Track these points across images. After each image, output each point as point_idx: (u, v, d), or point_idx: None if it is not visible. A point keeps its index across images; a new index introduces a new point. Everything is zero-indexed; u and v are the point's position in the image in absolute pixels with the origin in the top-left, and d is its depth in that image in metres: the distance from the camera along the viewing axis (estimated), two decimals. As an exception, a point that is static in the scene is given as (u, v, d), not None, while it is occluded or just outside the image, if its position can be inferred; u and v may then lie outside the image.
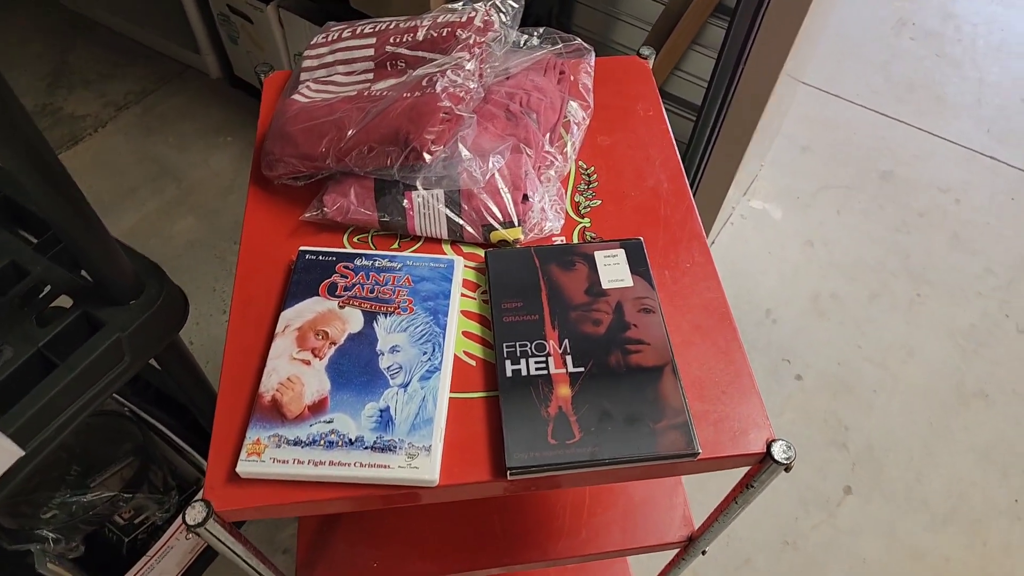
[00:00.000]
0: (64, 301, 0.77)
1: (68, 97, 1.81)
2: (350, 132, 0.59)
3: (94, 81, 1.85)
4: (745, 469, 0.55)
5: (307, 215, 0.61)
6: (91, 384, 0.75)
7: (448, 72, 0.60)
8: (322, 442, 0.49)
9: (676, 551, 0.78)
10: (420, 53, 0.65)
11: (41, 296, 0.78)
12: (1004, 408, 1.40)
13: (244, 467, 0.48)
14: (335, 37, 0.69)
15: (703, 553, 0.75)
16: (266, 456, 0.48)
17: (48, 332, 0.73)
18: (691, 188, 1.42)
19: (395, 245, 0.62)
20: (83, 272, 0.79)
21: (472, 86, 0.60)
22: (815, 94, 1.91)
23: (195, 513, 0.46)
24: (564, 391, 0.52)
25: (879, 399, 1.41)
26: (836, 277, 1.58)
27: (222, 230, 1.57)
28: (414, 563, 0.70)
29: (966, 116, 1.87)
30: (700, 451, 0.50)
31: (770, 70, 1.17)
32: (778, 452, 0.51)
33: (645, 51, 0.77)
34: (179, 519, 1.01)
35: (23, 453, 0.68)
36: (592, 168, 0.68)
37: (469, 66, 0.61)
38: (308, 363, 0.52)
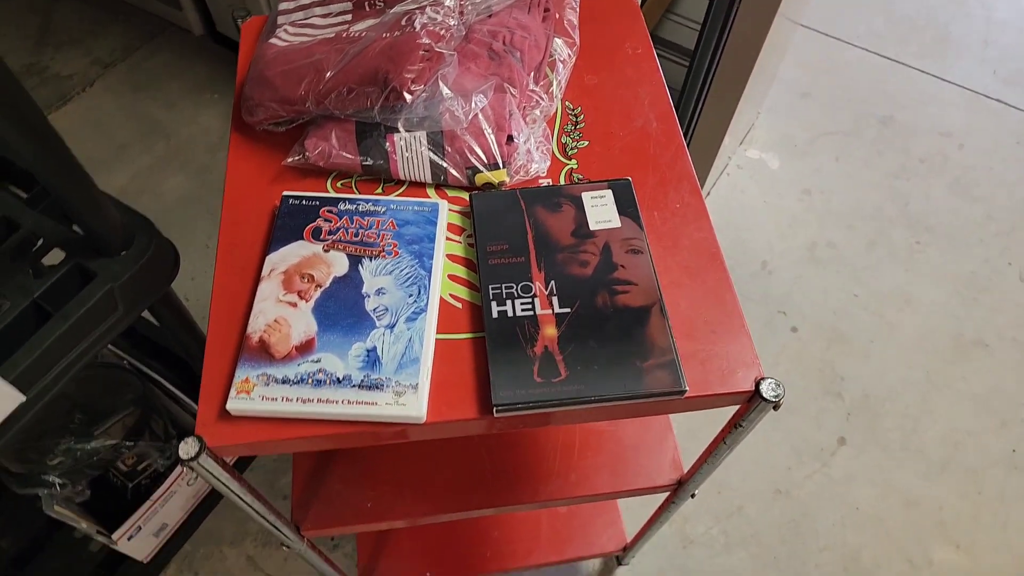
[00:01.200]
0: (57, 256, 0.78)
1: (55, 56, 1.78)
2: (328, 74, 0.58)
3: (79, 39, 1.82)
4: (733, 411, 0.56)
5: (289, 160, 0.61)
6: (87, 333, 0.75)
7: (427, 9, 0.59)
8: (310, 381, 0.49)
9: (666, 495, 0.80)
10: (401, -9, 0.63)
11: (35, 249, 0.78)
12: (1004, 357, 1.40)
13: (233, 404, 0.48)
14: (314, -23, 0.67)
15: (692, 496, 0.77)
16: (255, 394, 0.49)
17: (43, 283, 0.74)
18: (685, 137, 1.41)
19: (379, 190, 0.61)
20: (74, 226, 0.79)
21: (452, 23, 0.59)
22: (814, 36, 1.87)
23: (188, 448, 0.47)
24: (550, 331, 0.53)
25: (875, 348, 1.42)
26: (833, 226, 1.57)
27: (212, 186, 1.56)
28: (407, 503, 0.72)
29: (971, 57, 1.83)
30: (687, 389, 0.51)
31: (765, 11, 1.14)
32: (767, 390, 0.52)
33: (634, -12, 0.75)
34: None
35: (24, 399, 0.69)
36: (579, 108, 0.67)
37: (448, 2, 0.60)
38: (294, 305, 0.53)
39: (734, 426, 0.56)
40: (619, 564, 1.18)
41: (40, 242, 0.78)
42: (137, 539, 1.05)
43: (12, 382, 0.68)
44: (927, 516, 1.24)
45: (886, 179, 1.64)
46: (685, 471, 0.75)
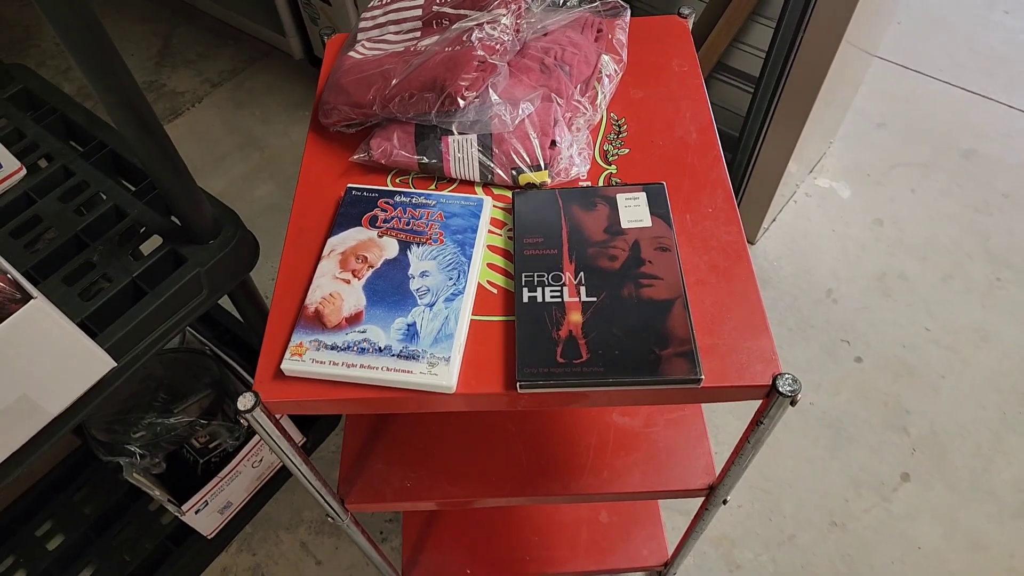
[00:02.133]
0: (156, 243, 0.88)
1: (171, 75, 1.99)
2: (394, 81, 0.64)
3: (193, 61, 2.02)
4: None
5: (355, 157, 0.68)
6: (174, 311, 0.85)
7: (485, 25, 0.65)
8: (355, 348, 0.55)
9: (700, 502, 0.80)
10: (463, 11, 0.70)
11: (137, 235, 0.89)
12: (1086, 401, 1.31)
13: (288, 365, 0.55)
14: (388, 0, 0.75)
15: (724, 503, 0.77)
16: (307, 357, 0.55)
17: (141, 265, 0.84)
18: (749, 162, 1.42)
19: (432, 186, 0.67)
20: (172, 217, 0.89)
21: (506, 38, 0.65)
22: (893, 69, 1.83)
23: (245, 401, 0.53)
24: (576, 317, 0.56)
25: (946, 384, 1.36)
26: (906, 257, 1.52)
27: (297, 197, 1.69)
28: (443, 486, 0.76)
29: (1063, 93, 1.74)
30: (703, 377, 0.53)
31: (830, 39, 1.15)
32: (783, 385, 0.53)
33: (685, 10, 0.79)
34: (248, 446, 1.12)
35: (115, 364, 0.78)
36: (623, 119, 0.71)
37: (505, 20, 0.66)
38: (348, 282, 0.59)
39: (756, 423, 0.58)
40: (659, 582, 1.17)
41: (143, 229, 0.89)
42: (203, 513, 1.14)
43: (107, 349, 0.78)
44: (996, 562, 1.17)
45: (966, 212, 1.58)
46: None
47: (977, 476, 1.26)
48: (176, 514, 1.09)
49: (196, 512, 1.11)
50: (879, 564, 1.18)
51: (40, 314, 0.66)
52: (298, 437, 1.28)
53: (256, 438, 1.14)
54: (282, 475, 1.29)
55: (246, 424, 0.54)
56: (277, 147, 1.80)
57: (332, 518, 0.77)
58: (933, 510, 1.23)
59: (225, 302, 1.12)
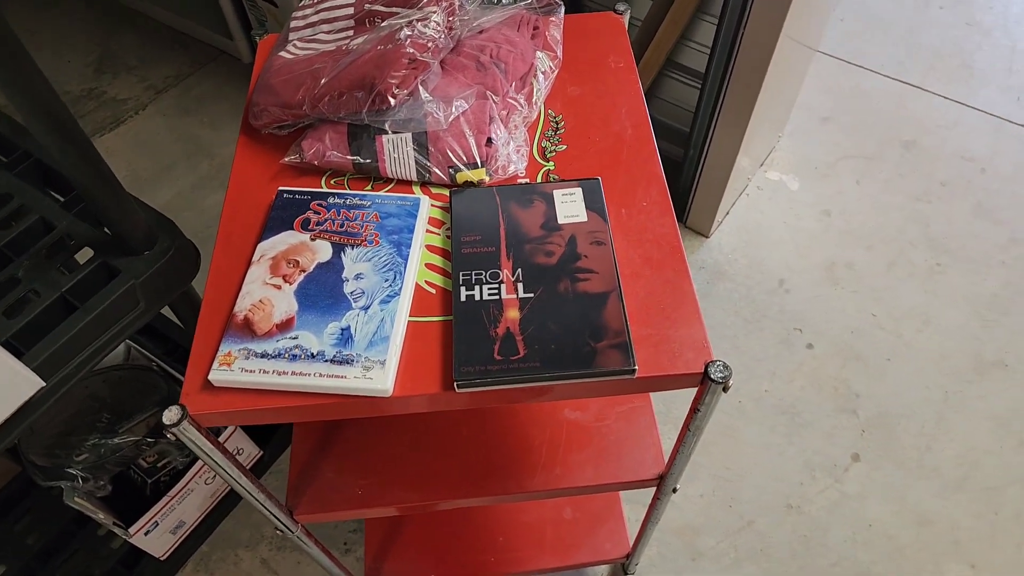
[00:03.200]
0: (87, 255, 0.85)
1: (112, 81, 1.93)
2: (323, 80, 0.63)
3: (136, 67, 1.96)
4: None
5: (287, 159, 0.66)
6: (108, 326, 0.82)
7: (416, 23, 0.64)
8: (286, 355, 0.54)
9: (652, 492, 0.81)
10: (394, 8, 0.69)
11: (67, 248, 0.86)
12: (1025, 378, 1.36)
13: (215, 375, 0.53)
14: (320, -2, 0.74)
15: (674, 491, 0.78)
16: (235, 366, 0.53)
17: (70, 279, 0.81)
18: (700, 157, 1.43)
19: (368, 187, 0.66)
20: (104, 229, 0.86)
21: (438, 36, 0.64)
22: (837, 64, 1.88)
23: (171, 415, 0.52)
24: (513, 314, 0.56)
25: (892, 367, 1.39)
26: (853, 246, 1.56)
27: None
28: (396, 491, 0.75)
29: (995, 85, 1.81)
30: (637, 368, 0.53)
31: (770, 33, 1.17)
32: (714, 371, 0.54)
33: (620, 6, 0.79)
34: (199, 463, 1.09)
35: (44, 384, 0.75)
36: (560, 116, 0.71)
37: (436, 18, 0.65)
38: (279, 287, 0.57)
39: (694, 411, 0.58)
40: (625, 573, 1.18)
41: (72, 242, 0.85)
42: (154, 535, 1.10)
43: (34, 369, 0.74)
44: (942, 535, 1.20)
45: (908, 202, 1.62)
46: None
47: (922, 454, 1.29)
48: (124, 537, 1.05)
49: (145, 534, 1.07)
50: (833, 543, 1.21)
51: (-43, 333, 0.63)
52: (254, 451, 1.25)
53: (206, 453, 1.11)
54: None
55: (173, 438, 0.52)
56: (227, 154, 1.76)
57: (281, 531, 0.76)
58: (883, 488, 1.26)
59: (173, 315, 1.09)
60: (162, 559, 1.15)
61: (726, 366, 0.53)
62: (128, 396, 1.12)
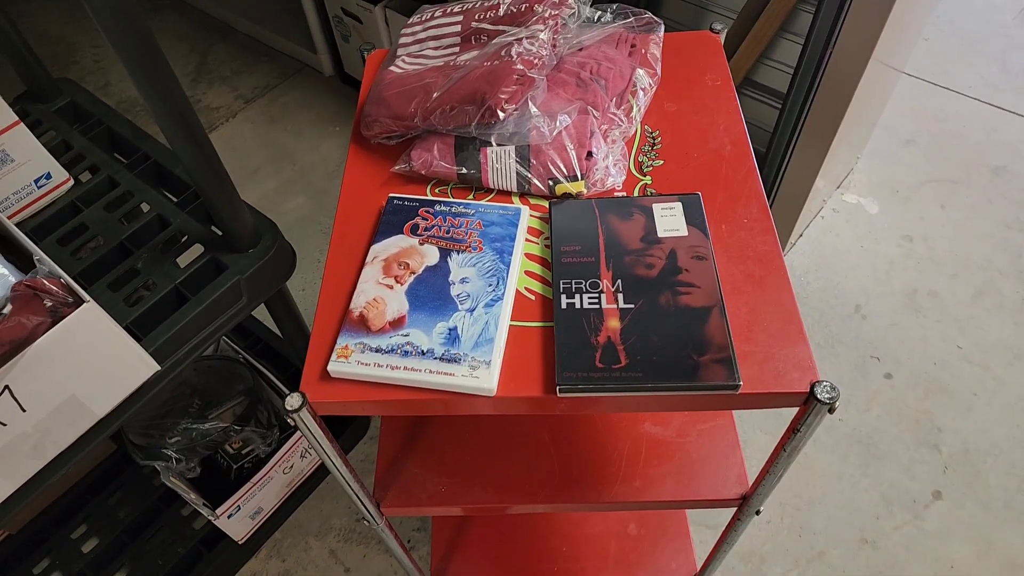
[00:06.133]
0: (198, 251, 0.91)
1: (207, 91, 2.05)
2: (435, 94, 0.67)
3: (228, 77, 2.08)
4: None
5: (396, 167, 0.70)
6: (215, 317, 0.87)
7: (523, 40, 0.67)
8: (399, 351, 0.56)
9: (732, 512, 0.80)
10: (501, 27, 0.72)
11: (179, 244, 0.92)
12: (1124, 420, 1.29)
13: (334, 366, 0.56)
14: (427, 17, 0.78)
15: (757, 513, 0.77)
16: (352, 359, 0.56)
17: (183, 272, 0.86)
18: (777, 177, 1.42)
19: (470, 196, 0.69)
20: (213, 227, 0.92)
21: (544, 53, 0.67)
22: (922, 86, 1.83)
23: (293, 400, 0.55)
24: (614, 323, 0.57)
25: (979, 402, 1.34)
26: (936, 274, 1.51)
27: (328, 208, 1.72)
28: (477, 492, 0.77)
29: (1096, 109, 1.73)
30: (741, 383, 0.54)
31: (859, 56, 1.15)
32: (821, 392, 0.54)
33: (717, 26, 0.80)
34: (280, 452, 1.14)
35: (159, 368, 0.80)
36: (657, 132, 0.72)
37: (543, 36, 0.67)
38: (391, 287, 0.60)
39: (792, 432, 0.58)
40: (687, 597, 1.16)
41: (185, 238, 0.92)
42: (236, 519, 1.16)
43: (151, 353, 0.80)
44: (1031, 584, 1.15)
45: (997, 229, 1.56)
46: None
47: (1011, 495, 1.23)
48: (209, 518, 1.11)
49: (228, 517, 1.13)
50: (911, 583, 1.17)
51: (92, 317, 0.69)
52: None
53: (288, 445, 1.16)
54: (312, 482, 1.30)
55: (292, 424, 0.56)
56: (308, 161, 1.84)
57: (367, 521, 0.79)
58: (966, 529, 1.21)
59: (256, 313, 1.15)
60: (240, 542, 1.20)
61: (834, 387, 0.53)
62: (217, 384, 1.19)
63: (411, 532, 1.28)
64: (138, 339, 0.80)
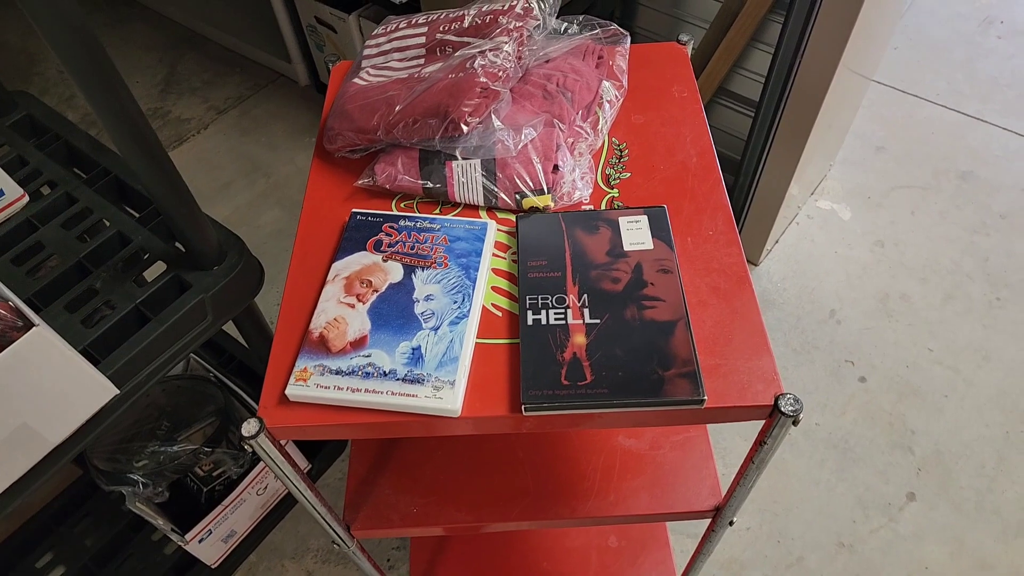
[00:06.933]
0: (160, 268, 0.88)
1: (177, 102, 2.02)
2: (398, 107, 0.65)
3: (199, 88, 2.05)
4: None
5: (360, 182, 0.68)
6: (179, 337, 0.85)
7: (488, 53, 0.66)
8: (360, 373, 0.55)
9: (707, 523, 0.80)
10: (466, 39, 0.71)
11: (140, 262, 0.90)
12: (1093, 420, 1.31)
13: (292, 390, 0.55)
14: (392, 28, 0.77)
15: (731, 524, 0.77)
16: (311, 382, 0.55)
17: (144, 291, 0.84)
18: (751, 185, 1.43)
19: (436, 211, 0.68)
20: (176, 244, 0.90)
21: (509, 65, 0.66)
22: (891, 94, 1.86)
23: (249, 427, 0.53)
24: (580, 339, 0.56)
25: (950, 404, 1.35)
26: (907, 278, 1.53)
27: (302, 222, 1.70)
28: (450, 511, 0.75)
29: (1060, 115, 1.76)
30: (705, 398, 0.53)
31: (827, 64, 1.17)
32: (785, 404, 0.53)
33: (683, 37, 0.80)
34: (252, 473, 1.11)
35: (118, 392, 0.78)
36: (624, 144, 0.72)
37: (507, 48, 0.67)
38: (353, 306, 0.59)
39: (760, 444, 0.58)
40: (667, 608, 1.16)
41: (147, 256, 0.89)
42: (207, 543, 1.13)
43: (109, 376, 0.78)
44: (1004, 585, 1.15)
45: (965, 234, 1.59)
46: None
47: (982, 496, 1.25)
48: (179, 544, 1.08)
49: (200, 541, 1.10)
50: (888, 587, 1.17)
51: (42, 342, 0.66)
52: (303, 464, 1.27)
53: (261, 465, 1.13)
54: (287, 503, 1.28)
55: (250, 451, 0.54)
56: (283, 174, 1.82)
57: (338, 545, 0.77)
58: (939, 530, 1.21)
59: (229, 328, 1.12)
60: (213, 567, 1.17)
61: (797, 399, 0.52)
62: (186, 405, 1.16)
63: (390, 551, 1.26)
64: (96, 362, 0.77)
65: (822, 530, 1.23)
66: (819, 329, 1.47)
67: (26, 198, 0.91)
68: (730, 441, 1.33)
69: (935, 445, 1.30)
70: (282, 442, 0.57)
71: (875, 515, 1.24)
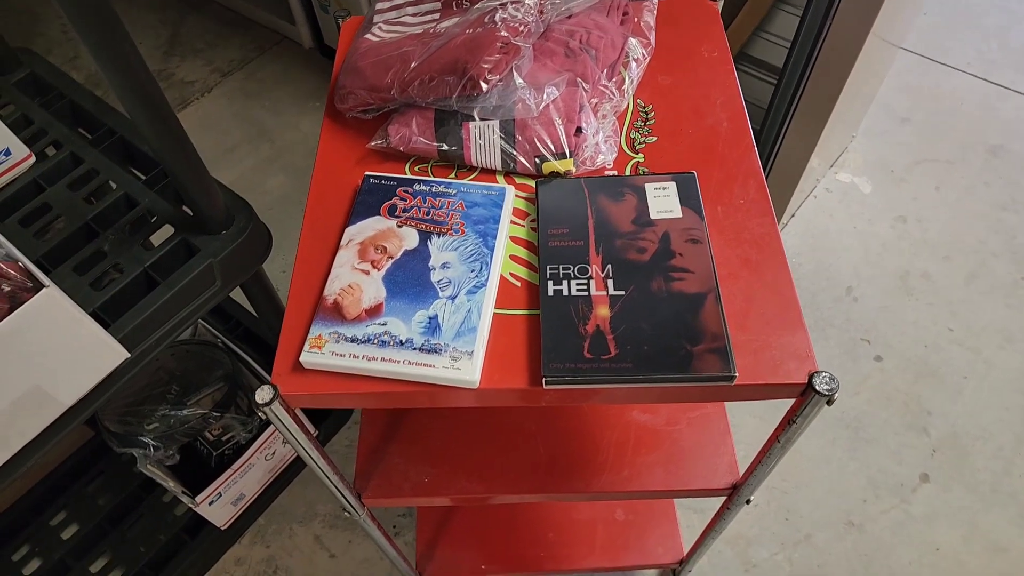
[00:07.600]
0: (167, 232, 0.86)
1: (180, 64, 1.97)
2: (413, 64, 0.62)
3: (202, 50, 2.00)
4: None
5: (373, 143, 0.66)
6: (187, 302, 0.83)
7: (508, 6, 0.62)
8: (375, 341, 0.53)
9: (721, 501, 0.78)
10: (485, -8, 0.67)
11: (148, 225, 0.87)
12: (1114, 403, 1.28)
13: (306, 357, 0.53)
14: (408, -19, 0.73)
15: (748, 502, 0.75)
16: (326, 350, 0.53)
17: (153, 255, 0.82)
18: (770, 155, 1.39)
19: (452, 175, 0.65)
20: (184, 207, 0.88)
21: (530, 20, 0.62)
22: (919, 62, 1.79)
23: (263, 394, 0.52)
24: (603, 311, 0.54)
25: (969, 385, 1.33)
26: (929, 256, 1.49)
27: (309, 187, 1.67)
28: (461, 482, 0.74)
29: (1094, 87, 1.70)
30: (736, 375, 0.51)
31: (858, 30, 1.11)
32: (820, 383, 0.51)
33: (714, -6, 0.76)
34: (261, 438, 1.11)
35: (128, 355, 0.76)
36: (650, 106, 0.69)
37: (529, 1, 0.63)
38: (367, 273, 0.57)
39: (788, 423, 0.56)
40: (675, 581, 1.15)
41: (154, 219, 0.87)
42: (217, 505, 1.13)
43: (120, 340, 0.76)
44: (1016, 564, 1.14)
45: (992, 211, 1.54)
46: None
47: (998, 479, 1.23)
48: (190, 505, 1.08)
49: (210, 504, 1.10)
50: (897, 565, 1.16)
51: (53, 303, 0.64)
52: (310, 430, 1.26)
53: (269, 431, 1.12)
54: (294, 468, 1.28)
55: (263, 417, 0.52)
56: (288, 139, 1.78)
57: (349, 512, 0.76)
58: (953, 512, 1.20)
59: (235, 295, 1.11)
60: (222, 528, 1.18)
61: (832, 378, 0.50)
62: (195, 370, 1.15)
63: (396, 518, 1.26)
64: (106, 325, 0.76)
65: (832, 509, 1.22)
66: (835, 306, 1.44)
67: (33, 158, 0.89)
68: (740, 419, 1.31)
69: (952, 427, 1.28)
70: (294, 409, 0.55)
71: (886, 495, 1.23)
